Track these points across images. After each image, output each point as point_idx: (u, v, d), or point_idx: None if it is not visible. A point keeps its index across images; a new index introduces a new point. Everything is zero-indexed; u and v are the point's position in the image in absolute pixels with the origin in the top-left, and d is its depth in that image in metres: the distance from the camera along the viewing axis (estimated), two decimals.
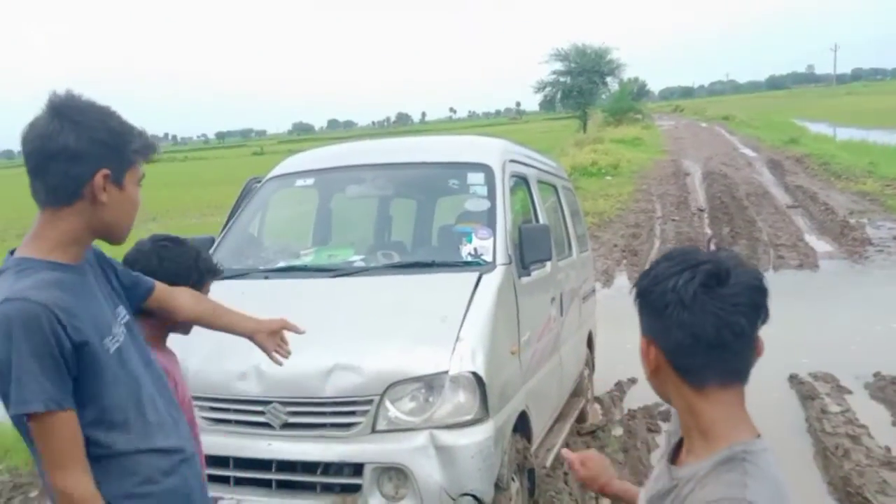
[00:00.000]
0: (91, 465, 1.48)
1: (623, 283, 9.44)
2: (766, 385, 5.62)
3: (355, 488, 2.71)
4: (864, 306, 7.64)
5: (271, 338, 2.04)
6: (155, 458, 1.59)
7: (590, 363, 5.56)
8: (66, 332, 1.42)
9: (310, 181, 4.09)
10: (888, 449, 4.35)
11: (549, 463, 3.96)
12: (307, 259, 3.66)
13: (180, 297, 1.93)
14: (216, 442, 2.88)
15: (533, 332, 3.57)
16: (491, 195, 3.50)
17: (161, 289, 1.89)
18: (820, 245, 10.93)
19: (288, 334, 2.90)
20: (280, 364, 2.07)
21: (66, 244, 1.51)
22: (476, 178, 3.57)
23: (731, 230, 12.08)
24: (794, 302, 7.98)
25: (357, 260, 3.53)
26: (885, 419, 4.89)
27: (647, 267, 1.17)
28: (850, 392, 5.39)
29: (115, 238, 1.58)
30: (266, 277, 3.48)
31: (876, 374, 5.62)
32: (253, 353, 2.84)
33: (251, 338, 2.02)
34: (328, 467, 2.77)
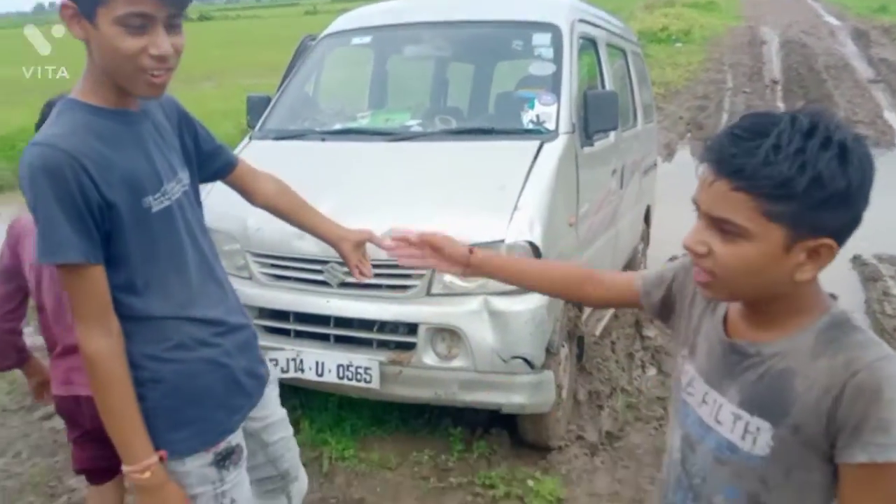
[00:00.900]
0: (122, 324, 1.40)
1: (685, 158, 9.16)
2: (828, 267, 5.49)
3: (410, 346, 2.80)
4: None
5: (356, 250, 1.94)
6: (191, 326, 1.49)
7: (645, 238, 5.50)
8: (95, 184, 1.31)
9: (366, 39, 3.95)
10: None
11: (598, 332, 4.03)
12: (364, 122, 3.60)
13: (264, 184, 1.82)
14: (277, 297, 3.00)
15: (591, 203, 3.51)
16: (557, 58, 3.33)
17: (246, 170, 1.79)
18: None
19: (347, 199, 2.93)
20: (361, 280, 1.98)
21: (101, 85, 1.37)
22: (542, 38, 3.38)
23: (805, 104, 11.43)
24: None
25: (414, 125, 3.46)
26: None
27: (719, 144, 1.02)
28: None
29: (124, 87, 1.36)
30: (323, 139, 3.45)
31: None
32: None
33: (336, 245, 1.93)
34: (384, 325, 2.86)
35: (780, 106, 11.82)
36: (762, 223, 0.98)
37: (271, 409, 1.75)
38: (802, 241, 0.99)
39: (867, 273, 5.25)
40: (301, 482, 1.87)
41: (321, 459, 3.03)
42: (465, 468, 2.94)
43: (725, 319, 1.15)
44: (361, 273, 1.94)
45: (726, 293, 1.09)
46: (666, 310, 1.30)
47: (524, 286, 1.56)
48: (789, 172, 0.94)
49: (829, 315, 1.05)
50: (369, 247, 2.81)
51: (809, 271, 1.01)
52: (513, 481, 2.83)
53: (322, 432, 3.19)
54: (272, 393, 1.77)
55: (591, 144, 3.36)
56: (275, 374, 1.81)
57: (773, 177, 0.95)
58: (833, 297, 1.10)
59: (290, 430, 1.83)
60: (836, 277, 5.25)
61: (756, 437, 1.07)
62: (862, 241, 5.67)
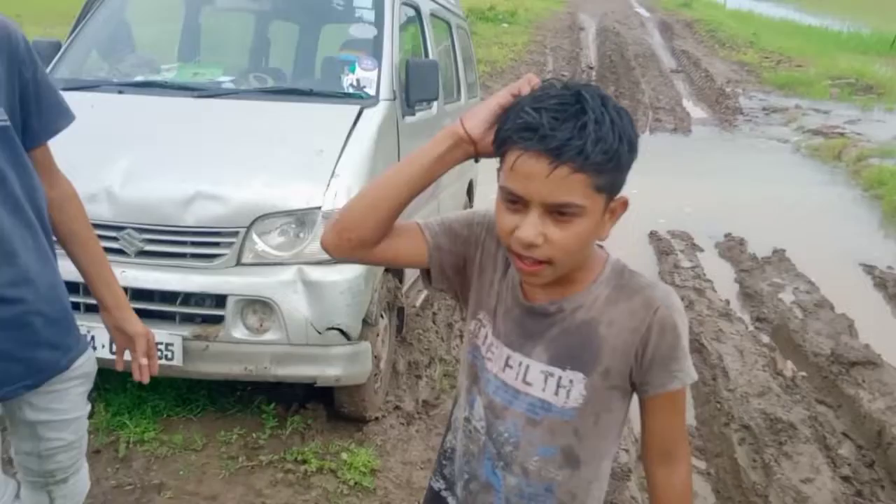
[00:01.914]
0: None
1: None
2: (627, 239, 5.96)
3: (218, 319, 2.63)
4: (725, 172, 8.14)
5: (135, 346, 1.68)
6: None
7: None
8: None
9: None
10: (727, 302, 4.78)
11: (419, 303, 4.04)
12: (169, 75, 3.31)
13: (52, 191, 1.52)
14: (63, 267, 2.68)
15: None
16: (379, 22, 3.24)
17: (45, 162, 1.51)
18: (696, 111, 11.37)
19: (145, 157, 2.65)
20: (139, 381, 1.71)
21: None
22: (363, 0, 3.28)
23: (616, 90, 12.24)
24: (663, 164, 8.36)
25: (226, 81, 3.23)
26: (728, 275, 5.34)
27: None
28: (701, 250, 5.80)
29: None
30: (120, 92, 3.12)
31: (727, 235, 6.06)
32: (104, 173, 2.64)
33: (110, 332, 1.67)
34: (189, 298, 2.65)
35: None
36: (593, 197, 1.01)
37: (66, 406, 1.56)
38: (612, 202, 1.05)
39: (661, 247, 5.74)
40: (73, 486, 1.67)
41: (118, 444, 2.78)
42: (277, 445, 2.83)
43: (521, 283, 1.15)
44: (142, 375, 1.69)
45: (556, 274, 1.08)
46: (452, 269, 1.21)
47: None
48: (614, 143, 0.99)
49: (609, 265, 1.14)
50: (173, 210, 2.61)
51: (609, 229, 1.07)
52: (326, 455, 2.77)
53: (119, 415, 2.92)
54: (76, 389, 1.58)
55: (413, 114, 3.33)
56: (86, 370, 1.60)
57: (606, 151, 0.98)
58: (601, 247, 1.16)
59: (80, 433, 1.65)
60: (636, 251, 5.71)
61: (570, 389, 1.11)
62: (659, 219, 6.28)
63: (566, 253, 1.03)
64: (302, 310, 2.56)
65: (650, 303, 1.09)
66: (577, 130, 0.97)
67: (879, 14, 24.20)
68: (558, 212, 1.00)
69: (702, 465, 3.30)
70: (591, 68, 14.58)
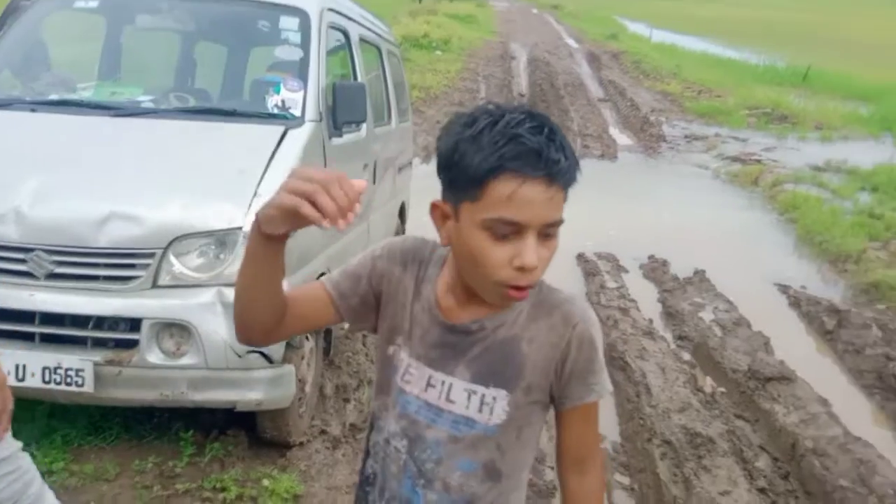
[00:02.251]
0: None
1: None
2: (557, 261, 6.05)
3: (132, 343, 2.54)
4: (650, 196, 8.42)
5: None
6: None
7: (400, 233, 5.62)
8: None
9: (93, 3, 3.54)
10: (651, 321, 4.91)
11: (347, 326, 4.00)
12: (85, 94, 3.22)
13: None
14: None
15: None
16: (305, 44, 3.24)
17: None
18: (622, 138, 11.72)
19: (58, 178, 2.57)
20: None
21: None
22: (289, 22, 3.28)
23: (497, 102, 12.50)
24: (590, 189, 8.59)
25: (146, 100, 3.16)
26: (652, 295, 5.49)
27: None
28: (626, 271, 5.96)
29: None
30: (33, 110, 3.02)
31: (650, 257, 6.24)
32: (13, 193, 2.54)
33: None
34: (101, 321, 2.56)
35: None
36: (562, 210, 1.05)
37: None
38: None
39: (588, 269, 5.87)
40: None
41: None
42: (194, 473, 2.74)
43: (438, 303, 1.16)
44: None
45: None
46: (365, 308, 1.21)
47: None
48: (575, 160, 1.03)
49: None
50: (85, 231, 2.52)
51: None
52: (247, 482, 2.70)
53: (27, 446, 2.77)
54: None
55: (340, 136, 3.32)
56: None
57: (574, 168, 1.03)
58: None
59: (20, 462, 1.71)
60: (564, 272, 5.82)
61: (493, 406, 1.13)
62: (587, 241, 6.43)
63: (544, 270, 1.06)
64: (221, 332, 2.50)
65: (569, 319, 1.13)
66: (559, 150, 1.00)
67: (793, 48, 25.62)
68: (545, 233, 1.02)
69: (625, 480, 3.37)
70: (523, 96, 14.89)
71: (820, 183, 8.93)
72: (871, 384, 4.34)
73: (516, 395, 1.12)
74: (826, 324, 5.04)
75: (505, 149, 0.98)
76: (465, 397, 1.13)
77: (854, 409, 4.06)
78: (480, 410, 1.12)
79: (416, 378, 1.16)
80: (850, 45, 29.71)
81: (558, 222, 1.03)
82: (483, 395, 1.12)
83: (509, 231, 1.01)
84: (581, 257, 6.15)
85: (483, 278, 1.05)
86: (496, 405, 1.12)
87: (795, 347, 4.75)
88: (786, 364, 4.21)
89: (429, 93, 14.06)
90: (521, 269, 1.01)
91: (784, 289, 5.81)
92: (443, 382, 1.14)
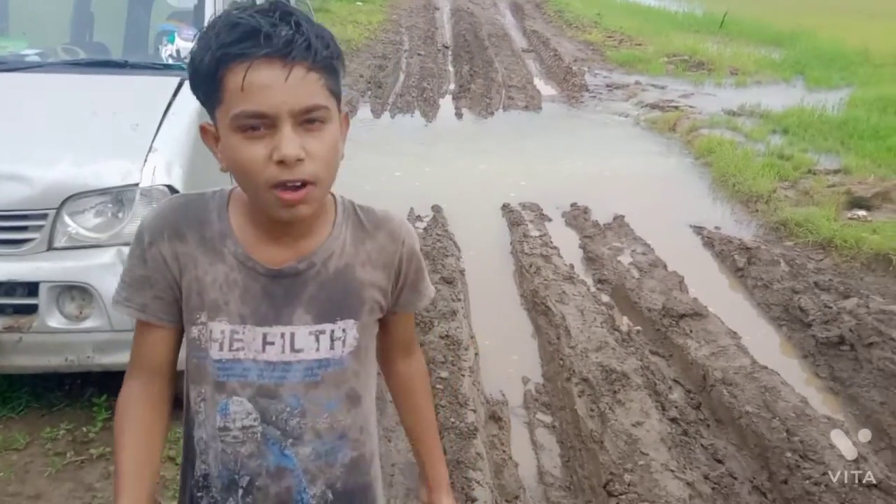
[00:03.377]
0: None
1: (366, 115, 9.42)
2: (482, 212, 6.13)
3: (31, 309, 2.44)
4: (573, 146, 8.52)
5: None
6: None
7: None
8: None
9: None
10: (571, 266, 5.02)
11: None
12: None
13: None
14: None
15: None
16: None
17: None
18: (546, 89, 11.75)
19: None
20: None
21: None
22: None
23: (470, 68, 12.44)
24: (515, 140, 8.66)
25: (31, 54, 2.98)
26: (573, 242, 5.60)
27: None
28: (549, 219, 6.04)
29: None
30: None
31: (572, 205, 6.34)
32: None
33: None
34: None
35: (451, 70, 12.74)
36: (330, 99, 0.97)
37: None
38: (341, 113, 1.02)
39: (512, 218, 5.92)
40: None
41: None
42: (109, 438, 2.68)
43: (248, 254, 1.06)
44: None
45: (319, 199, 1.01)
46: (174, 300, 1.08)
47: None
48: (329, 40, 0.96)
49: (339, 203, 1.13)
50: None
51: (343, 145, 1.06)
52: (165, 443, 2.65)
53: None
54: None
55: None
56: None
57: (328, 46, 0.95)
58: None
59: None
60: (489, 222, 5.88)
61: (344, 339, 1.10)
62: (511, 192, 6.49)
63: (327, 165, 0.98)
64: None
65: (395, 236, 1.14)
66: (295, 29, 0.92)
67: None
68: (307, 120, 0.95)
69: (547, 419, 3.48)
70: (447, 47, 14.72)
71: (734, 127, 9.19)
72: (779, 316, 4.57)
73: (363, 319, 1.11)
74: (737, 261, 5.25)
75: (227, 36, 0.91)
76: (313, 340, 1.07)
77: (762, 341, 4.27)
78: (332, 347, 1.08)
79: (247, 342, 1.06)
80: None
81: (318, 107, 0.94)
82: (332, 332, 1.08)
83: (260, 124, 0.93)
84: (506, 207, 6.20)
85: (255, 189, 0.97)
86: (347, 336, 1.09)
87: (708, 285, 4.94)
88: (699, 301, 4.38)
89: (350, 45, 13.73)
90: (282, 163, 0.93)
91: (699, 230, 6.01)
92: (282, 335, 1.06)
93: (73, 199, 2.41)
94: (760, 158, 7.71)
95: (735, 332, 4.15)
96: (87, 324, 2.44)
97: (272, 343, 1.07)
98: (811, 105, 10.01)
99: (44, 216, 2.40)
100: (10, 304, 2.45)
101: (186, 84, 2.81)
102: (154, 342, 1.10)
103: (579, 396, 3.44)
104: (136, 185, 2.45)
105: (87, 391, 2.90)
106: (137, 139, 2.53)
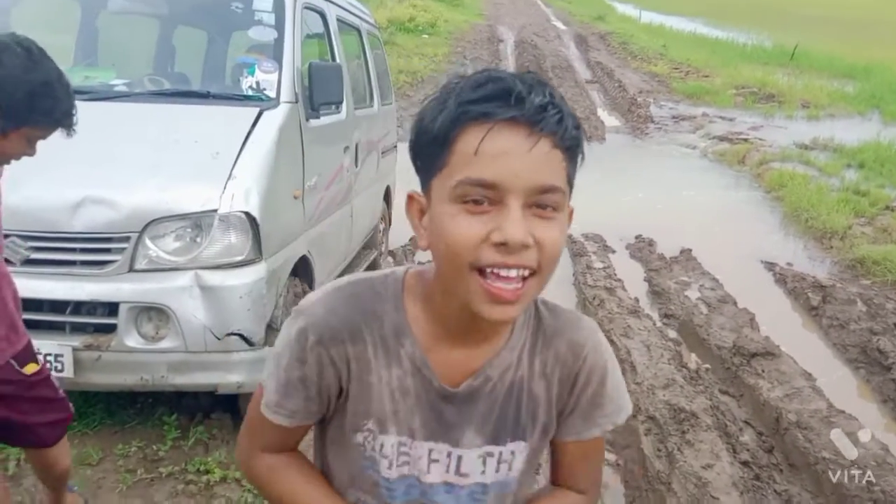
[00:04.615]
0: None
1: None
2: None
3: (110, 328, 2.53)
4: (637, 177, 8.42)
5: None
6: None
7: (386, 217, 5.60)
8: None
9: None
10: (636, 300, 4.92)
11: None
12: None
13: None
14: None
15: (321, 178, 3.45)
16: (279, 25, 3.20)
17: None
18: (610, 120, 11.71)
19: (28, 159, 2.55)
20: None
21: None
22: (263, 3, 3.23)
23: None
24: (579, 170, 8.60)
25: (119, 84, 3.12)
26: (638, 275, 5.50)
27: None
28: (613, 251, 5.97)
29: None
30: None
31: (637, 237, 6.25)
32: None
33: None
34: (79, 307, 2.54)
35: None
36: (566, 186, 0.82)
37: None
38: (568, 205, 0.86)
39: (575, 249, 5.87)
40: None
41: (7, 462, 2.64)
42: (178, 456, 2.74)
43: (427, 361, 0.92)
44: None
45: (535, 296, 0.87)
46: (324, 401, 0.95)
47: None
48: (578, 122, 0.84)
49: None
50: (60, 216, 2.49)
51: None
52: (231, 465, 2.70)
53: None
54: None
55: (318, 117, 3.30)
56: None
57: (577, 126, 0.82)
58: None
59: None
60: None
61: (512, 462, 0.97)
62: (574, 222, 6.43)
63: (552, 260, 0.82)
64: (199, 316, 2.49)
65: (577, 349, 0.96)
66: (549, 98, 0.79)
67: (780, 28, 25.61)
68: (539, 204, 0.79)
69: (612, 457, 3.38)
70: None
71: (806, 161, 8.95)
72: (856, 358, 4.37)
73: (534, 441, 0.97)
74: (811, 299, 5.06)
75: (471, 94, 0.78)
76: (480, 463, 0.95)
77: (838, 383, 4.09)
78: (498, 470, 0.96)
79: (413, 458, 0.95)
80: (833, 23, 29.72)
81: (556, 190, 0.79)
82: (500, 454, 0.95)
83: (485, 197, 0.78)
84: (568, 238, 6.14)
85: (456, 273, 0.80)
86: (515, 458, 0.96)
87: (781, 323, 4.77)
88: (771, 340, 4.23)
89: (416, 77, 13.98)
90: (504, 246, 0.77)
91: (770, 266, 5.83)
92: (448, 454, 0.94)
93: (154, 224, 2.50)
94: (835, 193, 7.46)
95: (810, 374, 3.98)
96: (163, 344, 2.51)
97: (436, 461, 0.95)
98: (888, 140, 9.65)
99: (126, 239, 2.50)
100: (90, 322, 2.55)
101: (265, 114, 2.92)
102: (291, 434, 0.99)
103: (646, 435, 3.35)
104: (215, 210, 2.52)
105: (158, 410, 2.98)
106: (217, 167, 2.61)
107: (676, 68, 16.86)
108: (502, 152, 0.77)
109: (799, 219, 6.96)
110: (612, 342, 4.20)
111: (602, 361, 0.97)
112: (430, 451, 0.94)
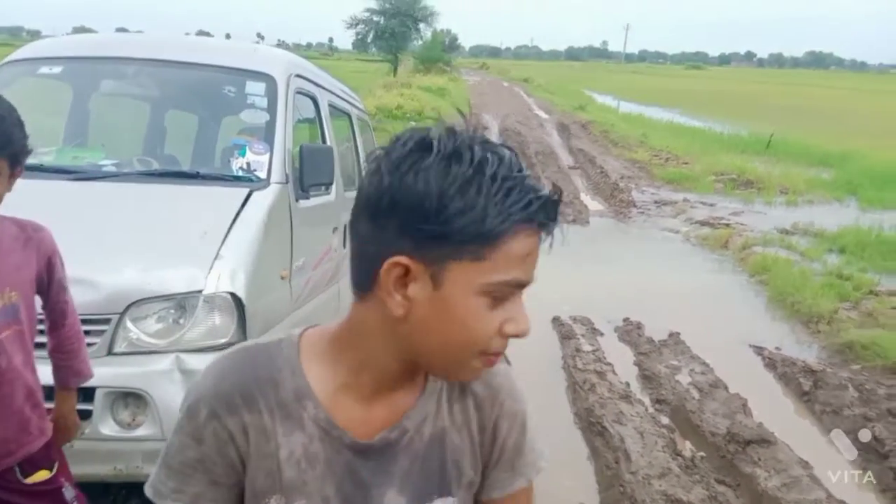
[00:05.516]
0: None
1: None
2: (534, 324, 6.00)
3: (85, 414, 2.40)
4: (622, 260, 8.46)
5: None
6: None
7: None
8: None
9: (56, 69, 3.51)
10: (627, 384, 4.83)
11: None
12: (46, 158, 3.16)
13: None
14: None
15: (309, 258, 3.41)
16: (271, 108, 3.24)
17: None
18: (593, 204, 11.87)
19: None
20: None
21: None
22: (255, 87, 3.28)
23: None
24: (563, 253, 8.64)
25: (108, 164, 3.11)
26: (628, 358, 5.43)
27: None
28: (601, 334, 5.91)
29: None
30: None
31: (625, 320, 6.21)
32: None
33: None
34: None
35: None
36: None
37: None
38: None
39: (563, 332, 5.81)
40: None
41: None
42: None
43: (333, 421, 0.87)
44: None
45: None
46: (233, 484, 0.88)
47: None
48: None
49: None
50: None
51: None
52: None
53: None
54: None
55: (308, 198, 3.29)
56: None
57: None
58: None
59: None
60: (540, 336, 5.76)
61: None
62: (563, 305, 6.40)
63: None
64: (179, 401, 2.37)
65: (493, 392, 0.94)
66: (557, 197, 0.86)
67: (756, 118, 26.53)
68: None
69: None
70: None
71: (788, 245, 9.05)
72: (851, 445, 4.28)
73: (460, 495, 0.93)
74: (803, 385, 5.00)
75: (522, 198, 0.79)
76: None
77: (835, 472, 3.98)
78: None
79: None
80: (808, 114, 30.86)
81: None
82: None
83: (501, 297, 0.81)
84: (556, 321, 6.10)
85: (462, 352, 0.82)
86: None
87: (774, 409, 4.69)
88: (765, 426, 4.14)
89: None
90: (515, 336, 0.83)
91: (759, 350, 5.78)
92: None
93: (137, 305, 2.42)
94: (819, 278, 7.51)
95: (806, 462, 3.88)
96: (140, 432, 2.39)
97: None
98: (867, 225, 9.84)
99: (107, 321, 2.42)
100: None
101: (255, 195, 2.90)
102: None
103: None
104: (200, 291, 2.46)
105: (132, 502, 2.81)
106: (205, 247, 2.56)
107: (656, 155, 17.28)
108: (530, 253, 0.81)
109: (784, 303, 6.97)
110: (604, 429, 4.09)
111: (521, 406, 0.97)
112: None
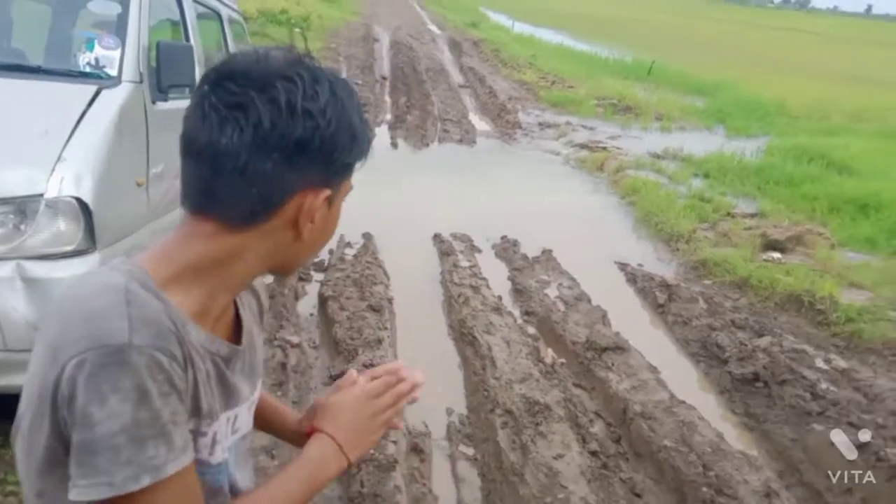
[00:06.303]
0: None
1: None
2: (413, 241, 6.10)
3: None
4: (505, 180, 8.63)
5: None
6: None
7: None
8: None
9: None
10: (500, 297, 5.02)
11: None
12: None
13: None
14: None
15: (168, 165, 3.24)
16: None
17: None
18: (480, 124, 11.92)
19: None
20: None
21: None
22: None
23: (407, 100, 12.52)
24: (448, 172, 8.73)
25: None
26: (502, 274, 5.62)
27: None
28: (479, 251, 6.06)
29: None
30: None
31: (503, 237, 6.39)
32: None
33: None
34: None
35: (388, 100, 12.76)
36: None
37: None
38: None
39: (443, 249, 5.92)
40: None
41: None
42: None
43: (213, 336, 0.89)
44: None
45: None
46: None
47: None
48: None
49: None
50: None
51: None
52: None
53: None
54: None
55: (166, 100, 3.10)
56: None
57: None
58: None
59: None
60: (420, 252, 5.85)
61: (256, 401, 1.04)
62: (443, 223, 6.49)
63: None
64: (20, 310, 2.26)
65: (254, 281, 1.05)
66: None
67: (640, 44, 27.22)
68: None
69: (469, 451, 3.42)
70: (385, 78, 14.80)
71: (658, 169, 9.51)
72: (697, 352, 4.68)
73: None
74: (658, 298, 5.37)
75: (367, 132, 0.90)
76: (247, 413, 0.99)
77: (680, 376, 4.35)
78: (250, 410, 1.00)
79: (223, 434, 0.91)
80: (691, 44, 32.00)
81: None
82: (254, 400, 1.02)
83: None
84: (437, 237, 6.19)
85: (319, 251, 0.96)
86: (257, 393, 1.03)
87: (630, 320, 5.03)
88: (621, 335, 4.44)
89: None
90: None
91: (623, 266, 6.13)
92: (228, 419, 0.92)
93: None
94: (682, 200, 7.98)
95: (655, 367, 4.21)
96: None
97: (237, 431, 0.98)
98: (731, 151, 10.47)
99: None
100: None
101: (104, 93, 2.71)
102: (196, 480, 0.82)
103: (502, 428, 3.41)
104: (41, 195, 2.30)
105: None
106: (45, 147, 2.38)
107: (544, 77, 17.46)
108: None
109: (650, 223, 7.38)
110: (474, 339, 4.26)
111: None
112: (228, 417, 0.92)
